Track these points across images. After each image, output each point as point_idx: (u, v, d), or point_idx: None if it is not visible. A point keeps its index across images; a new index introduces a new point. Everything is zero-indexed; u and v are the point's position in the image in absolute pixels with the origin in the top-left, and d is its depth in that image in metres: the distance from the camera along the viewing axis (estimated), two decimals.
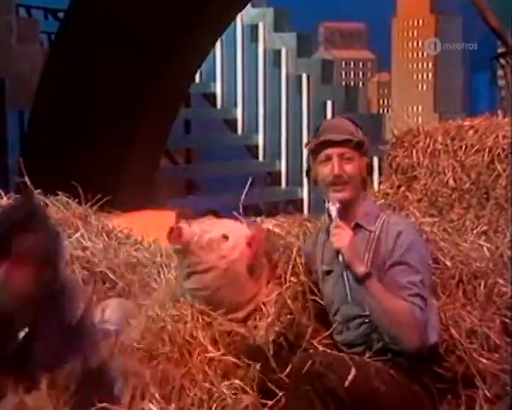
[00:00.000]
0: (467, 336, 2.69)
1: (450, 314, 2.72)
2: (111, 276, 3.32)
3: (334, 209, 2.58)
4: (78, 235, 3.48)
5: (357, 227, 2.62)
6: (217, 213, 2.84)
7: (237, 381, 2.43)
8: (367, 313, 2.54)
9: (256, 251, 2.63)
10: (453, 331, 2.67)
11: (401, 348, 2.48)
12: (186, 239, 2.59)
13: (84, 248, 3.43)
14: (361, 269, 2.48)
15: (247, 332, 2.55)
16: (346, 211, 2.60)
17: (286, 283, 2.67)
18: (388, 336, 2.50)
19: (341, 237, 2.51)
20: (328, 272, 2.65)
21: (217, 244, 2.59)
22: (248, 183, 3.16)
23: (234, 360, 2.50)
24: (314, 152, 2.67)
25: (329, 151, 2.63)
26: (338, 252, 2.51)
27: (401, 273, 2.51)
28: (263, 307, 2.61)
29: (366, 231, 2.61)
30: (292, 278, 2.68)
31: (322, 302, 2.69)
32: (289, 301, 2.62)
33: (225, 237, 2.61)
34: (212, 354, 2.49)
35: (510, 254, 3.14)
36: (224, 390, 2.40)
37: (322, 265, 2.69)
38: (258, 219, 3.01)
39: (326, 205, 2.64)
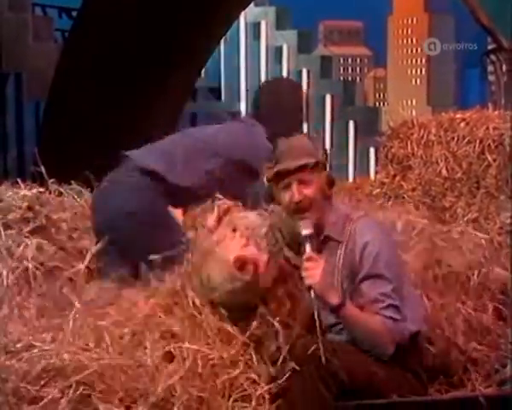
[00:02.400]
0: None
1: (447, 311, 2.72)
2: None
3: (305, 237, 2.49)
4: None
5: (326, 239, 2.57)
6: None
7: (253, 375, 2.39)
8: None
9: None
10: (447, 330, 2.67)
11: (376, 355, 2.47)
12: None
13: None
14: (334, 301, 2.44)
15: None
16: (314, 227, 2.52)
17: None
18: (365, 348, 2.48)
19: (312, 273, 2.43)
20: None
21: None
22: None
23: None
24: (274, 180, 2.59)
25: (287, 180, 2.54)
26: (309, 288, 2.44)
27: (371, 286, 2.48)
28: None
29: (335, 242, 2.56)
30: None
31: None
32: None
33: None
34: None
35: (500, 239, 3.14)
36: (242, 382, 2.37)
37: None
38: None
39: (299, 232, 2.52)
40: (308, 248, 2.47)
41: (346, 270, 2.52)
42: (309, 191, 2.53)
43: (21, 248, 2.91)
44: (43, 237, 3.08)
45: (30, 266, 2.87)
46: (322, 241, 2.55)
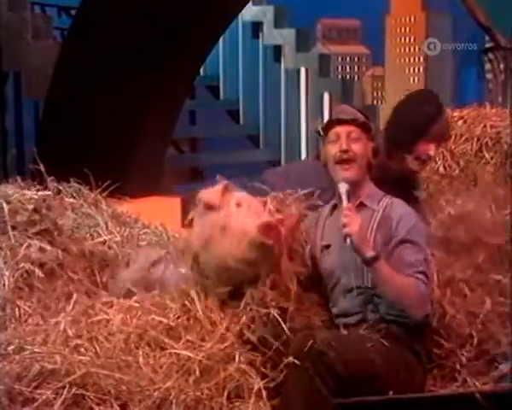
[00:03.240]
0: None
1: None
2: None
3: (344, 191, 2.58)
4: (98, 228, 3.37)
5: (361, 205, 2.63)
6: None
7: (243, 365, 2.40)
8: (365, 284, 2.55)
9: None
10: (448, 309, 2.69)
11: (409, 317, 2.51)
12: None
13: (104, 242, 3.35)
14: (370, 253, 2.48)
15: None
16: (351, 191, 2.61)
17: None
18: (396, 308, 2.52)
19: (351, 222, 2.49)
20: (327, 247, 2.66)
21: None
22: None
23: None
24: (325, 132, 2.70)
25: (338, 129, 2.66)
26: (346, 236, 2.49)
27: (407, 251, 2.55)
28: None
29: (369, 209, 2.62)
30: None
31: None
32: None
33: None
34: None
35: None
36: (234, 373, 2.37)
37: (322, 240, 2.69)
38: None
39: (337, 186, 2.63)
40: (345, 200, 2.56)
41: (379, 236, 2.57)
42: (355, 146, 2.64)
43: (23, 248, 2.91)
44: (47, 238, 3.07)
45: (32, 267, 2.87)
46: (356, 207, 2.60)
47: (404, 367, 2.48)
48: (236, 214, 2.51)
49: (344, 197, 2.57)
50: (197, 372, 2.31)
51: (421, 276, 2.52)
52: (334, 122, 2.68)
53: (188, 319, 2.47)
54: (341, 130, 2.65)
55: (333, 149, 2.66)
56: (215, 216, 2.53)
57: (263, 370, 2.43)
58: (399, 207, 2.64)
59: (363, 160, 2.65)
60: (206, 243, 2.54)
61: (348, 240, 2.48)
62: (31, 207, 3.09)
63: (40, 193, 3.21)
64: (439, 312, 2.68)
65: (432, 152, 3.02)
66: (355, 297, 2.58)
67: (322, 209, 2.81)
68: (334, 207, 2.72)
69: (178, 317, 2.48)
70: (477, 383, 2.59)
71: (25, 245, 2.92)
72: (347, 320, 2.58)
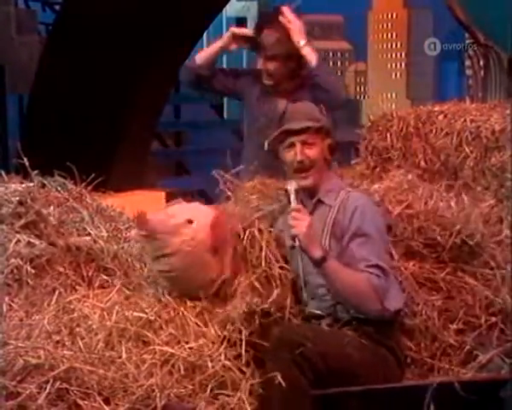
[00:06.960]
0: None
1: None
2: (111, 266, 3.16)
3: (292, 190, 2.54)
4: (84, 223, 3.34)
5: (318, 203, 2.62)
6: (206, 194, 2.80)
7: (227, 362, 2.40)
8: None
9: (217, 233, 2.58)
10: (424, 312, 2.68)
11: (365, 315, 2.47)
12: (151, 225, 2.55)
13: (88, 235, 3.30)
14: (317, 254, 2.45)
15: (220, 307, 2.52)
16: (309, 189, 2.61)
17: (262, 263, 2.63)
18: (351, 307, 2.49)
19: (299, 223, 2.46)
20: (293, 247, 2.64)
21: (181, 229, 2.55)
22: None
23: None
24: (279, 139, 2.66)
25: (292, 139, 2.62)
26: (294, 237, 2.47)
27: (359, 245, 2.51)
28: (238, 285, 2.58)
29: (326, 206, 2.60)
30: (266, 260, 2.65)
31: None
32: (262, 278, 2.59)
33: (190, 222, 2.58)
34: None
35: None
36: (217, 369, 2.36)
37: (290, 239, 2.68)
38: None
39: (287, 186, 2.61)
40: (294, 201, 2.52)
41: (335, 232, 2.55)
42: (311, 153, 2.61)
43: (12, 244, 2.88)
44: (34, 231, 3.04)
45: (21, 263, 2.84)
46: (314, 204, 2.59)
47: (378, 362, 2.48)
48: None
49: (292, 197, 2.54)
50: (181, 370, 2.29)
51: (373, 270, 2.46)
52: (287, 132, 2.62)
53: (168, 313, 2.47)
54: (295, 139, 2.61)
55: (288, 157, 2.63)
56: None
57: (246, 366, 2.43)
58: (355, 199, 2.59)
59: (320, 162, 2.62)
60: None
61: (296, 241, 2.46)
62: (15, 199, 3.06)
63: (24, 185, 3.18)
64: (413, 309, 2.67)
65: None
66: (324, 298, 2.55)
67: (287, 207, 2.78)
68: None
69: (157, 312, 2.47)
70: (459, 371, 2.60)
71: (14, 241, 2.89)
72: (320, 322, 2.56)
